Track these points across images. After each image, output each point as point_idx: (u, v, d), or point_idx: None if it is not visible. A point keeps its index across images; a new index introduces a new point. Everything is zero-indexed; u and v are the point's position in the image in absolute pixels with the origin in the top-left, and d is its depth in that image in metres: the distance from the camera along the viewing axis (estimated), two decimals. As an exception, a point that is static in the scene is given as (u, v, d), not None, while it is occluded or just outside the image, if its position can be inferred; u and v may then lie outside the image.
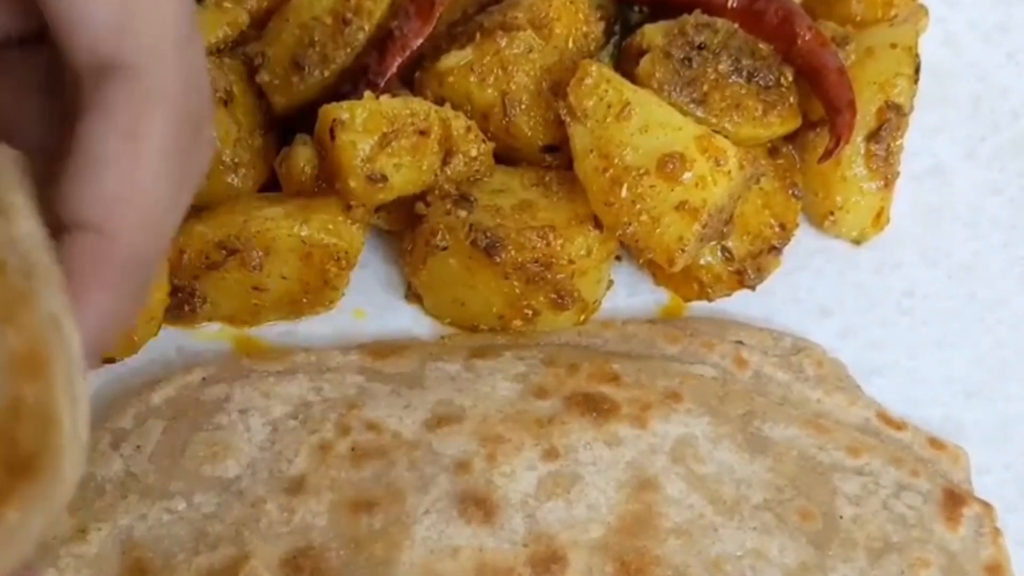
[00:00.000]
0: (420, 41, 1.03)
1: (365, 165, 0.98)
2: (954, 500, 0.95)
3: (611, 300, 1.07)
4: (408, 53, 1.03)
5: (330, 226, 1.00)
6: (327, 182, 1.00)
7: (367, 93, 0.99)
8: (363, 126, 0.98)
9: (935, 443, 1.00)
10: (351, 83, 1.03)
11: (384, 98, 0.99)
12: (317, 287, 1.02)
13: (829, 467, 0.95)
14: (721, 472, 0.93)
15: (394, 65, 1.03)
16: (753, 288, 1.07)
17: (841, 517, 0.93)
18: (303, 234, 0.99)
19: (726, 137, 0.99)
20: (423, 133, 0.99)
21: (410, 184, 1.01)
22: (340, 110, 0.98)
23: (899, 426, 1.00)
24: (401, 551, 0.88)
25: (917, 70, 1.08)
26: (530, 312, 1.02)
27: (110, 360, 0.99)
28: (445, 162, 1.01)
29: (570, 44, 1.04)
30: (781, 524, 0.91)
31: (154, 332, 0.99)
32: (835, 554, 0.91)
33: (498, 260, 0.98)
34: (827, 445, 0.96)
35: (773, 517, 0.91)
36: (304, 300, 1.03)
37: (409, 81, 1.05)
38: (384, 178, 0.99)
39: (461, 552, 0.88)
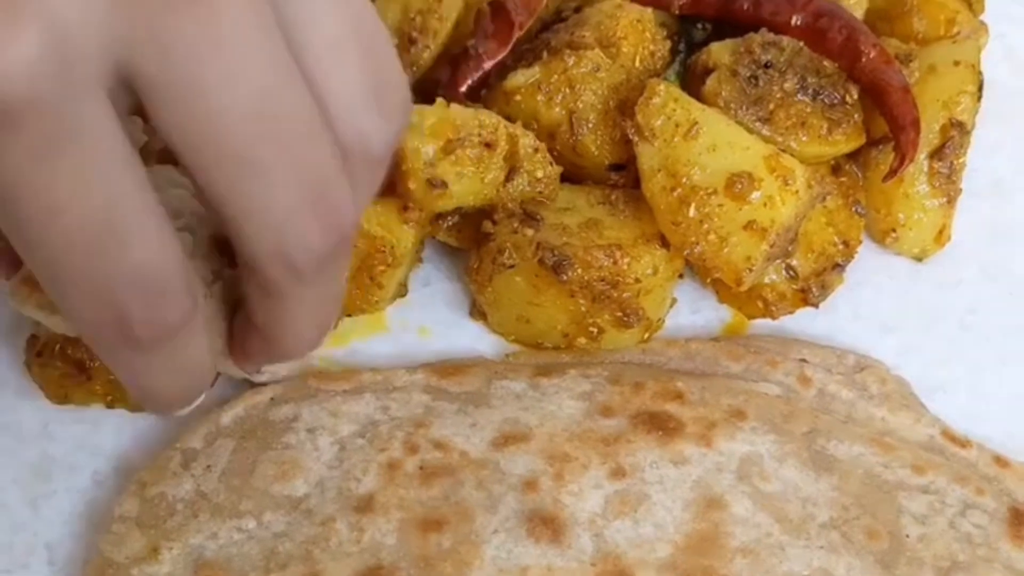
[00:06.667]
0: (494, 63, 1.04)
1: (427, 169, 0.98)
2: (1020, 518, 0.94)
3: (674, 318, 1.07)
4: (481, 74, 1.03)
5: (382, 219, 1.00)
6: (386, 181, 0.99)
7: (438, 99, 0.99)
8: (430, 130, 0.97)
9: (1000, 461, 1.00)
10: (419, 97, 1.03)
11: (455, 106, 0.99)
12: (362, 282, 1.01)
13: (894, 485, 0.95)
14: (787, 490, 0.93)
15: (465, 83, 1.03)
16: (816, 306, 1.06)
17: (907, 536, 0.92)
18: (353, 221, 0.98)
19: (791, 155, 0.99)
20: (489, 145, 0.99)
21: (470, 195, 1.00)
22: (409, 112, 0.97)
23: (964, 444, 1.00)
24: (471, 570, 0.88)
25: (980, 87, 1.08)
26: (595, 330, 1.01)
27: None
28: (508, 178, 1.01)
29: (637, 63, 1.04)
30: (847, 543, 0.91)
31: (222, 352, 0.99)
32: (902, 573, 0.90)
33: (565, 278, 0.98)
34: (892, 463, 0.96)
35: (839, 536, 0.91)
36: (348, 295, 1.01)
37: (476, 99, 1.05)
38: (444, 184, 0.98)
39: (530, 571, 0.88)
